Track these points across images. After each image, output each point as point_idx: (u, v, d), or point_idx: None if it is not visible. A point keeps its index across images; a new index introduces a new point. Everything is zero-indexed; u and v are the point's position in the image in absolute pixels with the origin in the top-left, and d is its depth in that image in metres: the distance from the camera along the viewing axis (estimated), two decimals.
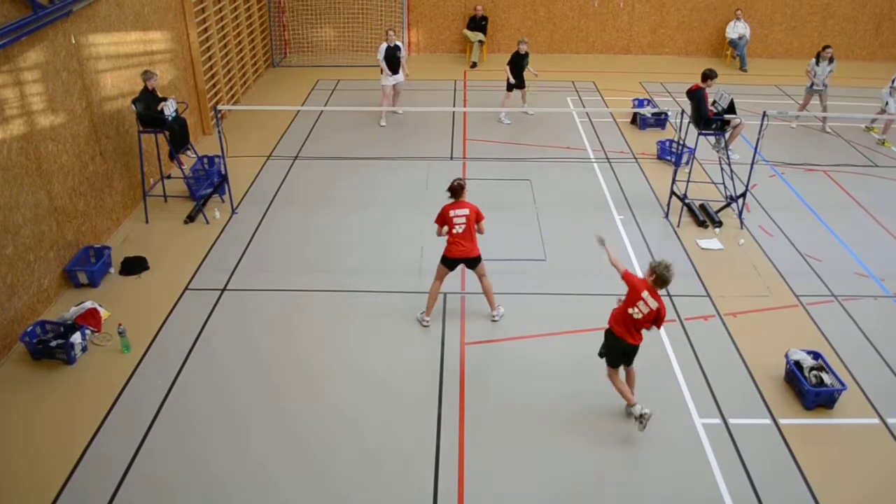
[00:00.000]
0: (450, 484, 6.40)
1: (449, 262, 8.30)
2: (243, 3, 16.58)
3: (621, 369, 7.06)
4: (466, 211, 8.10)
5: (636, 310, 6.61)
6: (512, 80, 14.69)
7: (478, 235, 8.27)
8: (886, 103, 13.98)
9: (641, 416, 6.76)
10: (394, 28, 14.78)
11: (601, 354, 7.05)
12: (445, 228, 8.17)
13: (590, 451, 6.82)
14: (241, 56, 16.42)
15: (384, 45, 14.31)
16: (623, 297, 6.79)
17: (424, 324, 8.49)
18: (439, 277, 8.40)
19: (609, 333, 6.88)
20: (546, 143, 13.97)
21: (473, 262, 8.31)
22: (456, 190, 8.16)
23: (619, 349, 6.85)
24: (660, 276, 6.49)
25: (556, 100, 16.53)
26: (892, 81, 13.88)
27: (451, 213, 8.09)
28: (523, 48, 14.56)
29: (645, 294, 6.55)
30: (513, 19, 20.05)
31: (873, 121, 14.62)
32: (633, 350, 6.85)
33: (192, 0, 13.11)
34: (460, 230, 8.09)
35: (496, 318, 8.60)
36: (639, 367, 7.35)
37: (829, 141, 14.38)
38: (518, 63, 14.62)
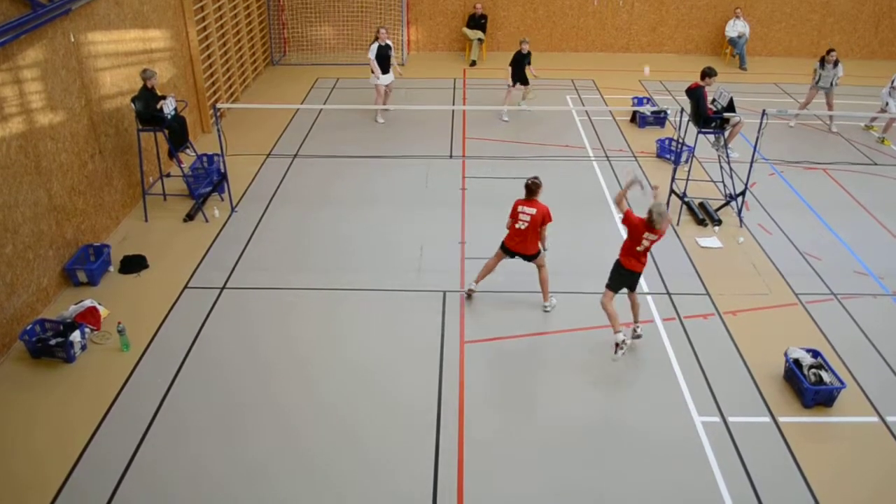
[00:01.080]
0: (449, 482, 6.41)
1: (506, 250, 8.59)
2: (242, 2, 16.55)
3: (625, 300, 8.08)
4: (534, 211, 8.27)
5: (641, 246, 7.58)
6: (510, 83, 14.79)
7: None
8: (887, 103, 13.97)
9: (623, 342, 7.74)
10: (385, 26, 14.57)
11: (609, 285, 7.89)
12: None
13: (589, 450, 6.82)
14: (240, 54, 16.40)
15: (375, 45, 14.19)
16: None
17: (471, 286, 8.84)
18: (496, 256, 8.70)
19: (619, 265, 7.82)
20: (545, 141, 13.96)
21: (529, 258, 8.54)
22: (529, 188, 8.34)
23: (624, 277, 7.83)
24: (651, 221, 7.43)
25: (555, 98, 16.52)
26: (893, 81, 13.86)
27: (520, 208, 8.38)
28: (525, 48, 14.56)
29: (645, 234, 7.50)
30: (512, 17, 20.04)
31: (873, 119, 14.60)
32: (638, 276, 7.88)
33: None
34: (522, 227, 8.33)
35: (547, 309, 8.82)
36: (638, 365, 7.36)
37: (829, 139, 14.37)
38: (520, 62, 14.65)
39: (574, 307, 8.88)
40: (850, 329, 8.57)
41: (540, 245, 8.52)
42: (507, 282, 9.27)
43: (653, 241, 7.58)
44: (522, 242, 8.42)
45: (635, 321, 8.17)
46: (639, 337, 8.17)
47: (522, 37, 15.54)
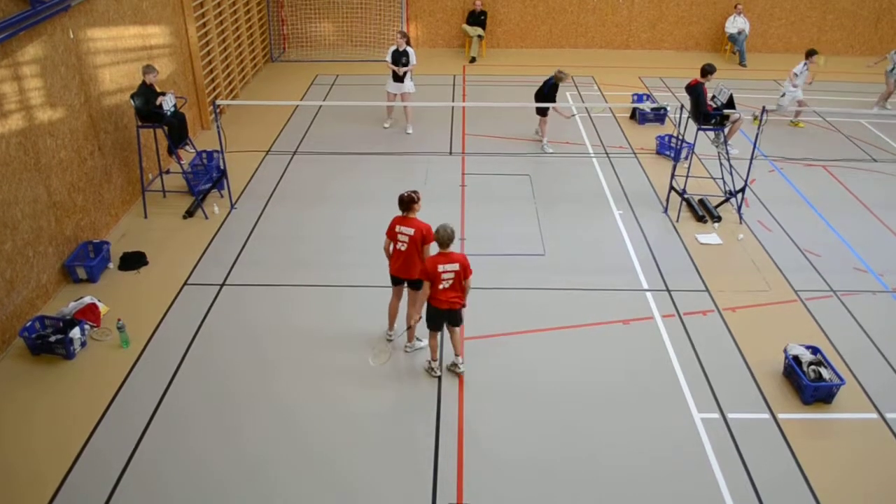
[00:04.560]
0: (449, 480, 6.42)
1: (392, 279, 7.89)
2: None
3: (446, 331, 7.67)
4: (412, 231, 7.42)
5: (444, 283, 7.10)
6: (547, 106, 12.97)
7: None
8: (783, 94, 14.13)
9: (444, 367, 7.66)
10: (402, 31, 13.64)
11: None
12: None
13: (589, 447, 6.83)
14: (239, 51, 16.38)
15: (392, 49, 13.46)
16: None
17: (388, 337, 8.15)
18: (394, 293, 8.07)
19: (431, 309, 7.33)
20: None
21: (412, 284, 7.72)
22: (403, 203, 7.48)
23: (441, 316, 7.36)
24: (441, 241, 7.01)
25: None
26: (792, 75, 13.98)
27: (397, 228, 7.54)
28: (561, 79, 12.87)
29: (441, 267, 7.03)
30: (512, 14, 20.01)
31: (797, 115, 14.66)
32: (456, 314, 7.38)
33: None
34: (402, 248, 7.52)
35: (408, 350, 8.06)
36: (638, 362, 7.36)
37: (828, 136, 14.35)
38: (546, 92, 13.07)
39: (573, 304, 8.88)
40: (850, 326, 8.57)
41: None
42: (506, 278, 9.26)
43: (458, 274, 7.02)
44: (405, 266, 7.55)
45: (437, 351, 7.61)
46: (432, 371, 7.63)
47: (559, 67, 13.13)
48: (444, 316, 7.35)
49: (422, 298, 7.37)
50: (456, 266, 7.07)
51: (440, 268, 7.04)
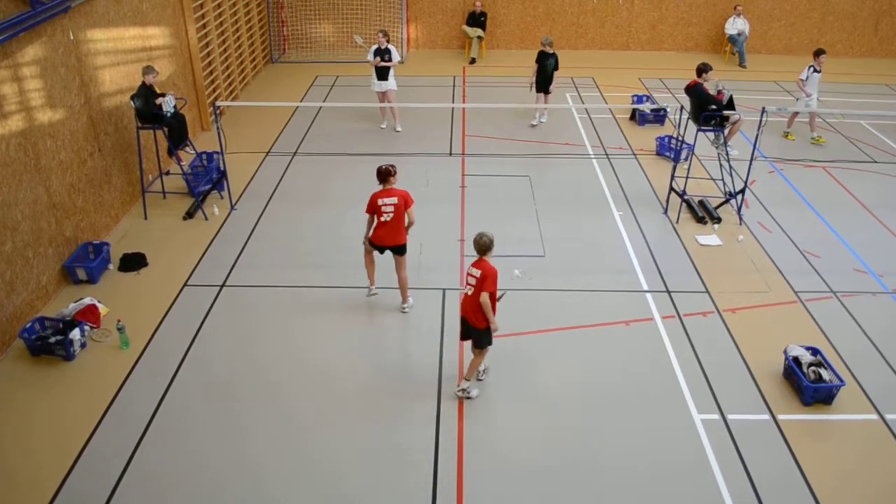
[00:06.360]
0: (449, 481, 6.41)
1: (376, 247, 8.39)
2: None
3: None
4: (395, 199, 8.04)
5: (468, 288, 6.93)
6: (532, 80, 14.10)
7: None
8: (797, 99, 13.90)
9: (463, 390, 7.30)
10: (384, 30, 13.83)
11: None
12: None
13: (589, 447, 6.82)
14: (239, 52, 16.38)
15: (374, 47, 13.56)
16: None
17: (371, 293, 8.71)
18: (367, 253, 8.51)
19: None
20: (545, 139, 13.96)
21: (398, 250, 8.31)
22: (382, 175, 8.09)
23: (463, 323, 7.16)
24: (476, 246, 6.89)
25: (554, 96, 16.46)
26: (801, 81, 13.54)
27: (380, 201, 8.07)
28: (548, 48, 13.79)
29: (469, 269, 6.93)
30: (512, 15, 20.02)
31: (790, 124, 14.29)
32: (473, 332, 7.08)
33: None
34: (388, 219, 8.07)
35: (406, 310, 8.64)
36: (638, 363, 7.34)
37: (828, 137, 14.34)
38: (542, 65, 13.96)
39: (573, 305, 8.88)
40: (850, 327, 8.57)
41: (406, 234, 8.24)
42: (505, 280, 9.26)
43: (478, 281, 6.81)
44: (391, 234, 8.16)
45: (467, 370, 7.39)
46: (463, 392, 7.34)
47: (545, 35, 14.08)
48: (464, 324, 7.15)
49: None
50: (478, 273, 6.82)
51: (469, 269, 6.99)
